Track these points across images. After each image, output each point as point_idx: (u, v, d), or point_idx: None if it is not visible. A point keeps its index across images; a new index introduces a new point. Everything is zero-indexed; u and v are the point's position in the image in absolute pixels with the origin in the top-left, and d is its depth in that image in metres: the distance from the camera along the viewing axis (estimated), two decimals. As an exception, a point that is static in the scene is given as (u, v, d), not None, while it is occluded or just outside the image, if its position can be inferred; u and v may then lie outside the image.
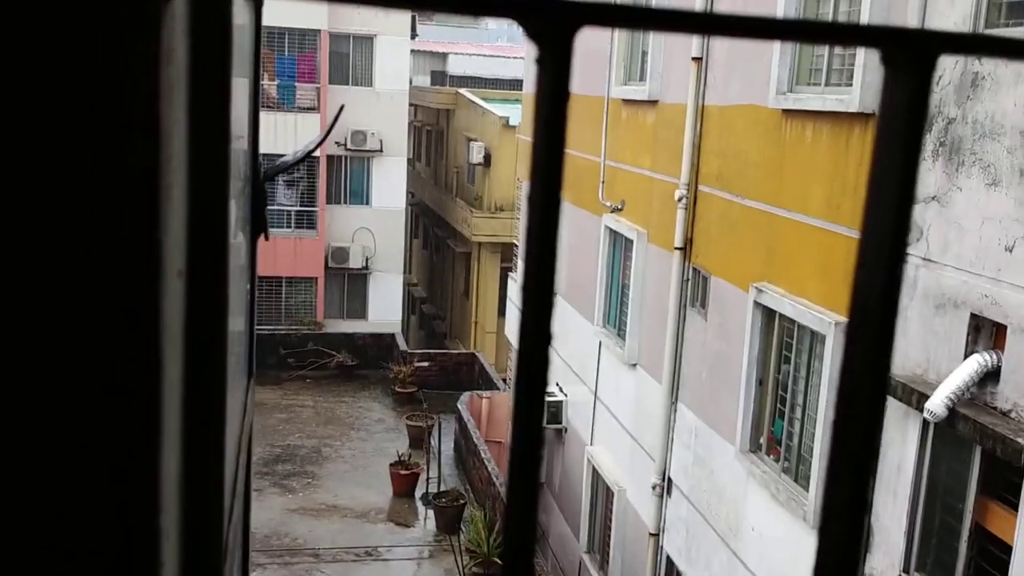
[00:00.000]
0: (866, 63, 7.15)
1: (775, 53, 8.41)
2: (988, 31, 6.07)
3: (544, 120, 0.40)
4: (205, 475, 0.96)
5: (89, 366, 0.53)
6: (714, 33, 0.42)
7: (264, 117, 26.02)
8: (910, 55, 0.42)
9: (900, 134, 0.43)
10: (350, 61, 25.33)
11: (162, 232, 0.55)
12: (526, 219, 0.42)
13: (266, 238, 1.74)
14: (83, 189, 0.50)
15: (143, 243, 0.53)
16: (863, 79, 7.15)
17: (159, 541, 0.58)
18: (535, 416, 0.43)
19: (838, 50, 7.87)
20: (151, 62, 0.50)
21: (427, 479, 16.92)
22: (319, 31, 24.33)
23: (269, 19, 22.99)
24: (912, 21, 6.61)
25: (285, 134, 23.39)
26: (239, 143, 1.61)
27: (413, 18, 26.32)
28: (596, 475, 12.87)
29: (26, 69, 0.48)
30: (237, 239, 1.59)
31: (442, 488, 16.68)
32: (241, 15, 1.58)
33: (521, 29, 0.40)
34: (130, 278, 0.53)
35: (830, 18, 7.94)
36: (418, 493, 17.17)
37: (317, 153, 24.28)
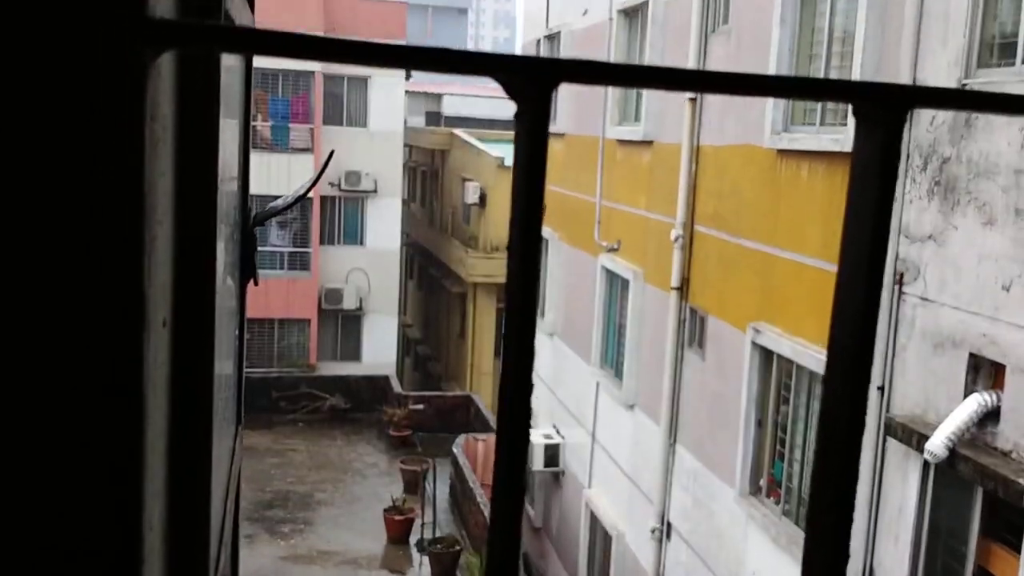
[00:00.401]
0: (858, 103, 7.18)
1: (767, 94, 8.45)
2: (981, 70, 6.10)
3: (522, 172, 0.38)
4: (191, 523, 0.93)
5: (70, 414, 0.53)
6: (689, 89, 0.39)
7: (258, 158, 26.17)
8: (880, 109, 0.40)
9: (872, 186, 0.42)
10: (344, 102, 25.53)
11: (146, 283, 0.53)
12: (507, 267, 0.40)
13: (255, 283, 1.70)
14: (65, 241, 0.51)
15: (126, 294, 0.53)
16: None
17: None
18: (518, 460, 0.40)
19: (830, 90, 7.92)
20: (136, 118, 0.51)
21: (422, 525, 16.71)
22: (313, 72, 24.54)
23: (263, 61, 23.23)
24: (904, 62, 6.65)
25: (279, 175, 23.48)
26: (229, 187, 1.59)
27: (408, 61, 26.55)
28: (594, 519, 12.72)
29: (11, 123, 0.48)
30: (226, 284, 1.56)
31: (437, 534, 16.47)
32: (231, 58, 1.57)
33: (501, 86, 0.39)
34: (113, 328, 0.53)
35: (823, 61, 8.00)
36: (413, 539, 16.95)
37: (311, 194, 24.35)
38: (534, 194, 0.36)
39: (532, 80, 0.36)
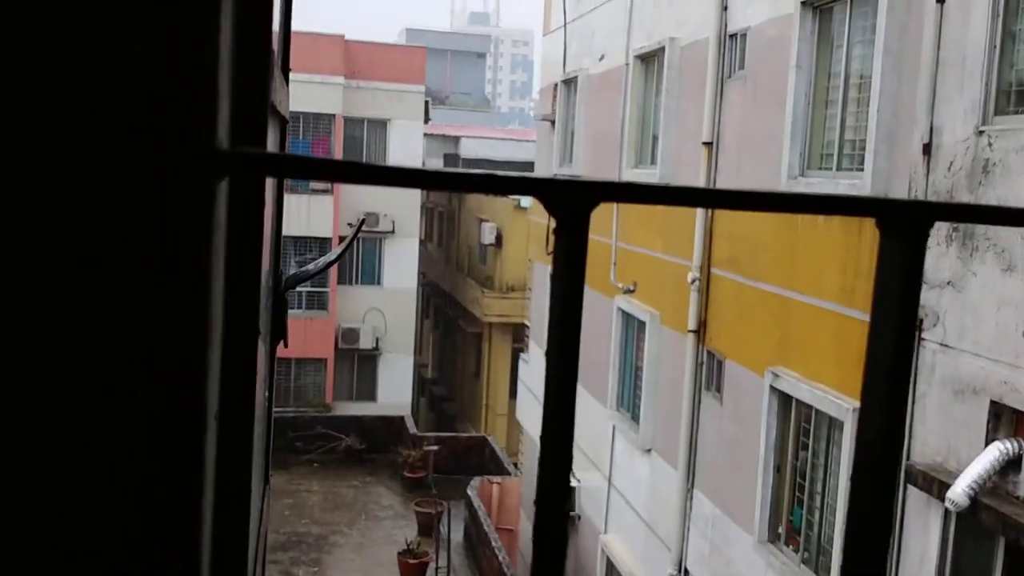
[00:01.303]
0: (876, 148, 7.21)
1: (786, 138, 8.50)
2: (998, 117, 6.12)
3: (562, 291, 0.40)
4: None
5: (135, 508, 0.55)
6: (716, 206, 0.41)
7: (279, 200, 25.97)
8: (903, 223, 0.42)
9: (894, 297, 0.44)
10: (364, 144, 25.79)
11: (208, 384, 0.56)
12: (544, 390, 0.42)
13: (285, 345, 1.74)
14: (141, 343, 0.54)
15: (188, 395, 0.55)
16: (874, 164, 7.20)
17: None
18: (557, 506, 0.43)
19: (848, 135, 7.96)
20: (204, 238, 0.53)
21: (436, 568, 16.55)
22: (334, 115, 24.84)
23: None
24: (921, 108, 6.68)
25: (298, 216, 23.68)
26: (264, 259, 1.63)
27: (426, 103, 26.88)
28: (610, 565, 12.57)
29: (94, 237, 0.51)
30: (259, 350, 1.60)
31: (452, 576, 16.31)
32: (273, 136, 1.61)
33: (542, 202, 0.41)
34: (179, 422, 0.55)
35: (840, 106, 8.05)
36: (428, 582, 16.78)
37: (330, 234, 24.53)
38: (572, 309, 0.39)
39: (572, 201, 0.39)
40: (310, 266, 2.40)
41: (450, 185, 0.38)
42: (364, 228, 25.42)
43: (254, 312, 0.82)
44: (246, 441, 0.80)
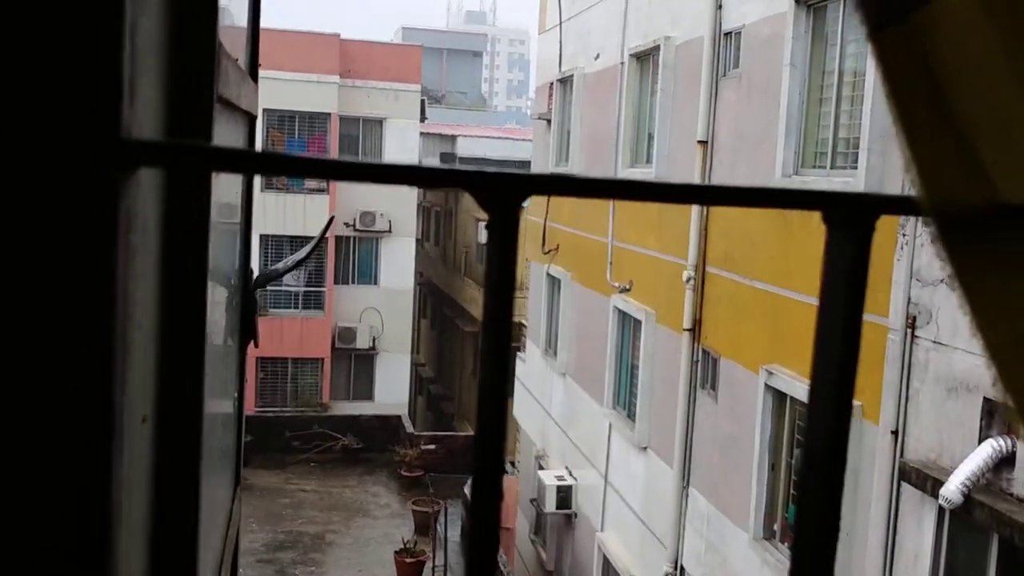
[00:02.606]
0: (870, 146, 7.21)
1: (780, 136, 8.51)
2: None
3: (492, 280, 0.40)
4: None
5: (37, 522, 0.53)
6: (652, 199, 0.41)
7: (274, 198, 26.15)
8: (850, 217, 0.42)
9: (842, 292, 0.43)
10: (360, 143, 25.78)
11: (116, 385, 0.54)
12: (479, 370, 0.42)
13: (255, 345, 1.73)
14: (35, 342, 0.52)
15: (94, 398, 0.54)
16: (868, 161, 7.21)
17: None
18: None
19: (843, 133, 7.96)
20: (107, 235, 0.51)
21: (433, 567, 16.56)
22: (329, 114, 24.82)
23: (279, 103, 23.53)
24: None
25: (294, 215, 23.67)
26: (231, 254, 1.62)
27: (423, 102, 26.86)
28: (607, 562, 12.58)
29: None
30: (226, 348, 1.59)
31: None
32: (234, 137, 1.60)
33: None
34: (81, 428, 0.53)
35: (834, 104, 8.05)
36: (425, 581, 16.79)
37: (326, 235, 24.51)
38: (503, 299, 0.39)
39: (502, 194, 0.39)
40: (279, 265, 2.40)
41: (373, 177, 0.38)
42: (361, 228, 25.42)
43: (198, 309, 0.80)
44: (192, 441, 0.79)
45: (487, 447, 0.39)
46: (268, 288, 24.07)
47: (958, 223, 0.42)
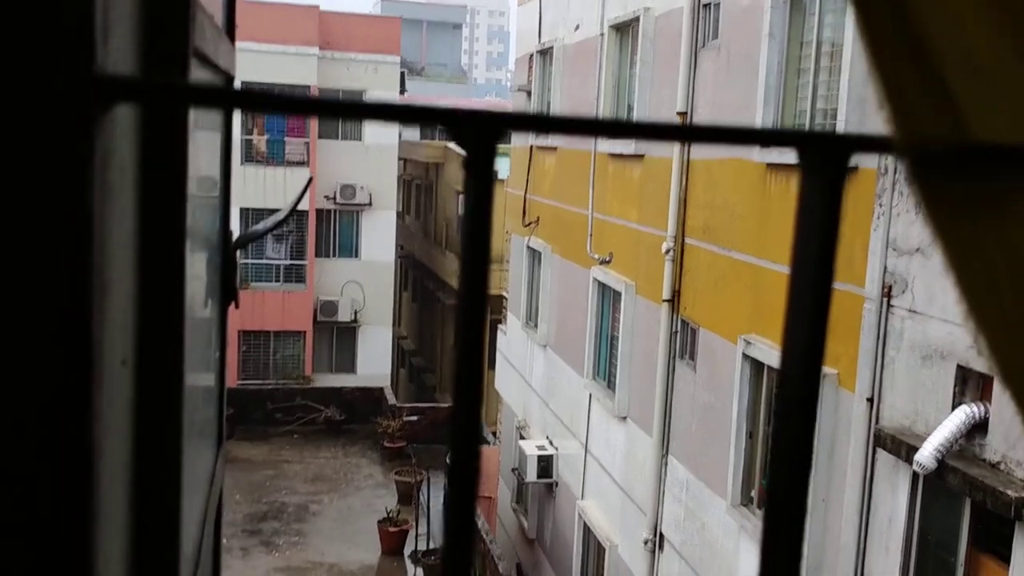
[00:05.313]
0: (847, 117, 7.25)
1: (759, 107, 8.53)
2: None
3: (470, 216, 0.41)
4: (158, 558, 0.94)
5: (16, 455, 0.53)
6: (630, 137, 0.42)
7: (254, 171, 25.90)
8: (824, 157, 0.43)
9: (816, 234, 0.44)
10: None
11: (95, 325, 0.55)
12: (456, 308, 0.43)
13: (236, 306, 1.73)
14: (9, 290, 0.52)
15: (73, 338, 0.53)
16: (846, 131, 7.24)
17: None
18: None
19: (820, 104, 7.99)
20: (83, 170, 0.51)
21: (416, 536, 16.69)
22: (308, 87, 24.59)
23: (259, 75, 23.27)
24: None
25: (275, 188, 23.50)
26: (209, 209, 1.62)
27: (402, 74, 26.66)
28: (587, 530, 12.72)
29: None
30: (205, 307, 1.59)
31: (432, 545, 16.45)
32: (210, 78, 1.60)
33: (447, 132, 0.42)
34: (60, 368, 0.53)
35: (812, 75, 8.07)
36: (407, 550, 16.92)
37: (307, 208, 24.39)
38: (481, 237, 0.40)
39: (477, 131, 0.40)
40: (259, 225, 2.40)
41: (349, 113, 0.39)
42: (342, 201, 25.28)
43: (177, 252, 0.81)
44: (174, 384, 0.79)
45: (467, 363, 0.41)
46: (250, 262, 23.94)
47: (930, 161, 0.43)
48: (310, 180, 3.41)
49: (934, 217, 0.44)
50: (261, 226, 2.38)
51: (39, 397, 0.53)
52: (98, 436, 0.58)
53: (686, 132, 0.43)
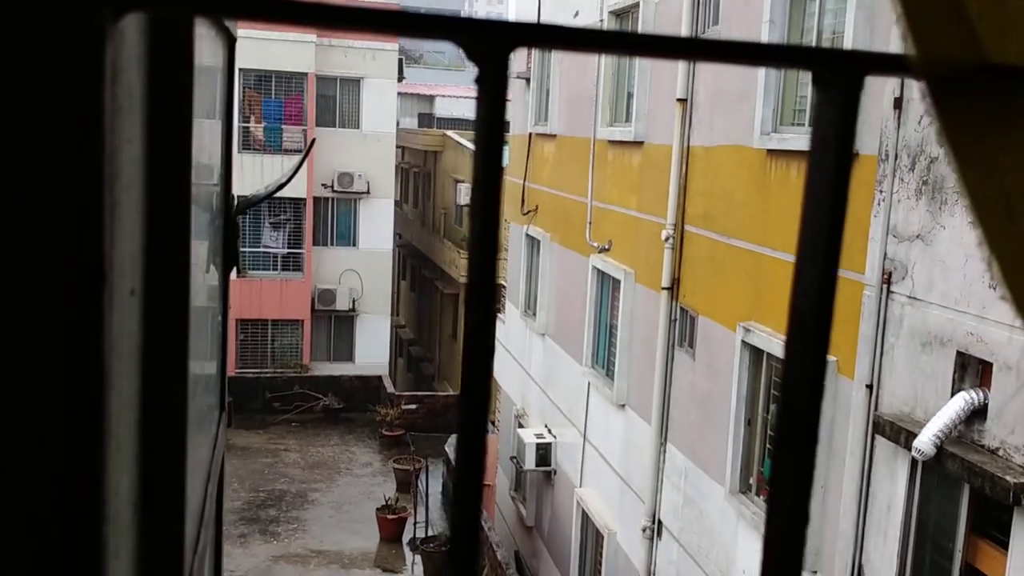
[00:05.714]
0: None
1: (759, 94, 8.50)
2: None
3: (483, 135, 0.40)
4: (164, 489, 0.94)
5: (29, 381, 0.52)
6: (642, 54, 0.41)
7: (251, 159, 25.94)
8: (838, 75, 0.42)
9: (831, 153, 0.43)
10: (337, 104, 25.52)
11: (107, 247, 0.53)
12: (470, 229, 0.42)
13: (239, 273, 1.72)
14: (21, 203, 0.51)
15: (85, 257, 0.53)
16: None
17: (103, 556, 0.57)
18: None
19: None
20: (95, 80, 0.50)
21: (415, 523, 16.72)
22: (306, 74, 24.53)
23: (256, 62, 23.23)
24: (895, 35, 6.68)
25: (272, 176, 23.43)
26: (211, 177, 1.61)
27: (400, 61, 26.58)
28: (586, 518, 12.74)
29: None
30: (209, 272, 1.58)
31: (430, 533, 16.48)
32: (213, 55, 1.58)
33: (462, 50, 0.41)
34: (72, 291, 0.53)
35: (809, 86, 8.03)
36: (406, 538, 16.96)
37: (304, 195, 24.34)
38: (493, 155, 0.39)
39: (490, 44, 0.39)
40: (260, 190, 2.39)
41: (354, 23, 0.38)
42: (340, 189, 25.23)
43: (184, 177, 0.80)
44: (181, 314, 0.78)
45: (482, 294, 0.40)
46: (247, 251, 23.92)
47: (947, 81, 0.42)
48: (312, 141, 3.40)
49: (950, 138, 0.44)
50: (263, 190, 2.37)
51: (53, 315, 0.52)
52: (109, 362, 0.57)
53: (696, 46, 0.42)
